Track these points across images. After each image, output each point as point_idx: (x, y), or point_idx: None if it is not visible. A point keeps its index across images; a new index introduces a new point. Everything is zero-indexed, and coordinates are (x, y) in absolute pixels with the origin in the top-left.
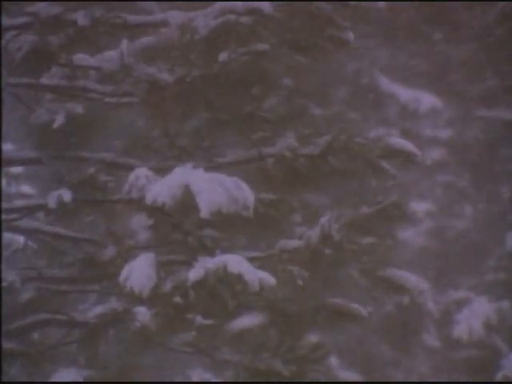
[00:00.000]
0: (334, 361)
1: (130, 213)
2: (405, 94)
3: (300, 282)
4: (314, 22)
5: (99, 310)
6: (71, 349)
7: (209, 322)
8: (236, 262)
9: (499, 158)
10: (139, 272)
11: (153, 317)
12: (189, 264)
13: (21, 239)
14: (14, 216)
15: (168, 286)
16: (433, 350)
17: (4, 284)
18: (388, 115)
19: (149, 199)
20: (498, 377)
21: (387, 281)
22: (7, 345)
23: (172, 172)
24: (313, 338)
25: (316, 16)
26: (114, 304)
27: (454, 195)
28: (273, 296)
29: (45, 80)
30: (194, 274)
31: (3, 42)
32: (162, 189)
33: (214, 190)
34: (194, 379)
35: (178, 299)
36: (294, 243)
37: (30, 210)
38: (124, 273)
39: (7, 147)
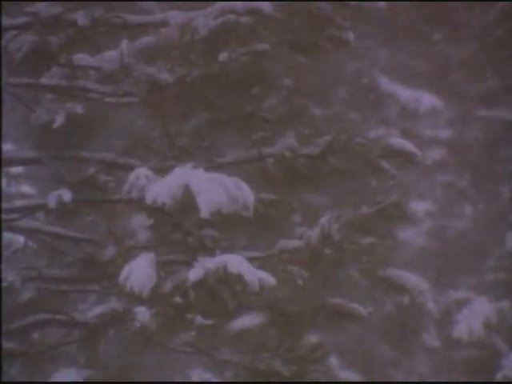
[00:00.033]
0: (334, 361)
1: (129, 213)
2: (405, 94)
3: (300, 282)
4: (314, 21)
5: (99, 309)
6: (71, 349)
7: (209, 321)
8: (236, 262)
9: (499, 158)
10: (139, 272)
11: (153, 317)
12: (189, 264)
13: (21, 239)
14: (13, 216)
15: (168, 285)
16: (433, 350)
17: (4, 284)
18: (388, 115)
19: (149, 199)
20: (498, 377)
21: (387, 281)
22: (7, 345)
23: (172, 172)
24: (313, 338)
25: (316, 16)
26: (113, 304)
27: (454, 195)
28: (273, 296)
29: (45, 80)
30: (194, 273)
31: (3, 42)
32: (162, 189)
33: (214, 189)
34: (194, 379)
35: (178, 299)
36: (294, 243)
37: (29, 210)
38: (124, 273)
39: (7, 147)
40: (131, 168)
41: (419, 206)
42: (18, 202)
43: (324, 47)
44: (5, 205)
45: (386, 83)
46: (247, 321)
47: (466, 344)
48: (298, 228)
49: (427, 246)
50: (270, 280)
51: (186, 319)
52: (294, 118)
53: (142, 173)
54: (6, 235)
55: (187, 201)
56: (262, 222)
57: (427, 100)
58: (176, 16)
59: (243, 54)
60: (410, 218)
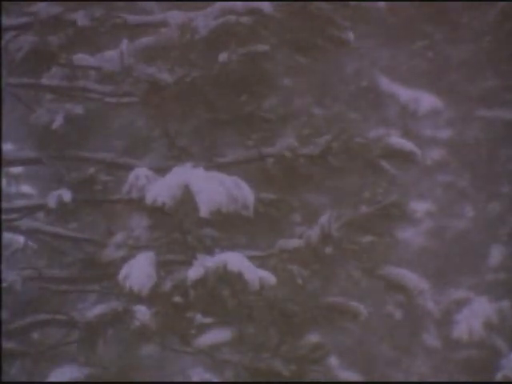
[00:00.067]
0: (333, 361)
1: (129, 213)
2: (405, 94)
3: (300, 282)
4: (314, 22)
5: (99, 309)
6: (71, 348)
7: (209, 320)
8: (236, 261)
9: (499, 158)
10: (139, 271)
11: (152, 316)
12: (189, 263)
13: (21, 239)
14: (13, 216)
15: (168, 285)
16: (433, 350)
17: (4, 284)
18: (388, 115)
19: (149, 199)
20: (498, 377)
21: (387, 280)
22: (7, 345)
23: (172, 172)
24: (313, 338)
25: (316, 16)
26: (113, 304)
27: (454, 195)
28: (273, 295)
29: (45, 80)
30: (194, 272)
31: (3, 42)
32: (161, 189)
33: (214, 189)
34: (194, 379)
35: (177, 298)
36: (293, 243)
37: (30, 210)
38: (123, 272)
39: (7, 147)
40: (131, 168)
41: (419, 206)
42: (18, 202)
43: (324, 47)
44: (5, 205)
45: (385, 83)
46: (215, 336)
47: (466, 344)
48: (297, 227)
49: (427, 246)
50: (271, 279)
51: (185, 318)
52: (294, 117)
53: (141, 173)
54: (6, 235)
55: (187, 200)
56: (261, 221)
57: (427, 100)
58: (176, 16)
59: (243, 54)
60: (409, 218)
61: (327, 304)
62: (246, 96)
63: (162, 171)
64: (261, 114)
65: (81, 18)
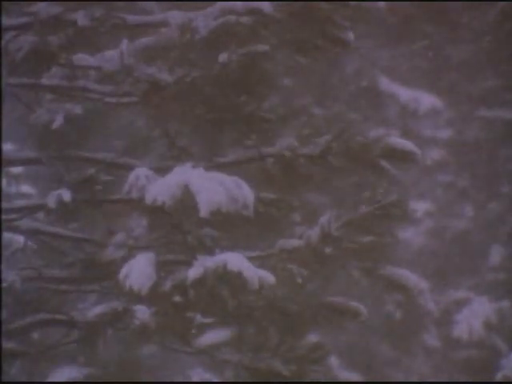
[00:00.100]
0: (334, 361)
1: (129, 213)
2: (405, 94)
3: (300, 281)
4: (314, 22)
5: (99, 309)
6: (71, 348)
7: (208, 320)
8: (236, 260)
9: (499, 158)
10: (139, 271)
11: (152, 316)
12: (188, 263)
13: (21, 239)
14: (13, 216)
15: (168, 284)
16: (433, 350)
17: (4, 284)
18: (388, 115)
19: (149, 199)
20: (498, 377)
21: (387, 279)
22: (7, 345)
23: (171, 171)
24: (313, 338)
25: (316, 16)
26: (113, 303)
27: (454, 195)
28: (272, 295)
29: (45, 80)
30: (194, 272)
31: (3, 42)
32: (161, 188)
33: (214, 189)
34: (194, 379)
35: (177, 298)
36: (293, 242)
37: (30, 210)
38: (123, 271)
39: (7, 147)
40: (131, 168)
41: (419, 206)
42: (18, 202)
43: (324, 47)
44: (5, 205)
45: (385, 83)
46: (215, 336)
47: (466, 344)
48: (297, 227)
49: (427, 246)
50: (270, 278)
51: (185, 318)
52: (294, 117)
53: (141, 173)
54: (6, 235)
55: (187, 200)
56: (261, 221)
57: (427, 100)
58: (176, 16)
59: (243, 54)
60: (409, 218)
61: (327, 304)
62: (245, 96)
63: (162, 171)
64: (261, 114)
65: (81, 18)
